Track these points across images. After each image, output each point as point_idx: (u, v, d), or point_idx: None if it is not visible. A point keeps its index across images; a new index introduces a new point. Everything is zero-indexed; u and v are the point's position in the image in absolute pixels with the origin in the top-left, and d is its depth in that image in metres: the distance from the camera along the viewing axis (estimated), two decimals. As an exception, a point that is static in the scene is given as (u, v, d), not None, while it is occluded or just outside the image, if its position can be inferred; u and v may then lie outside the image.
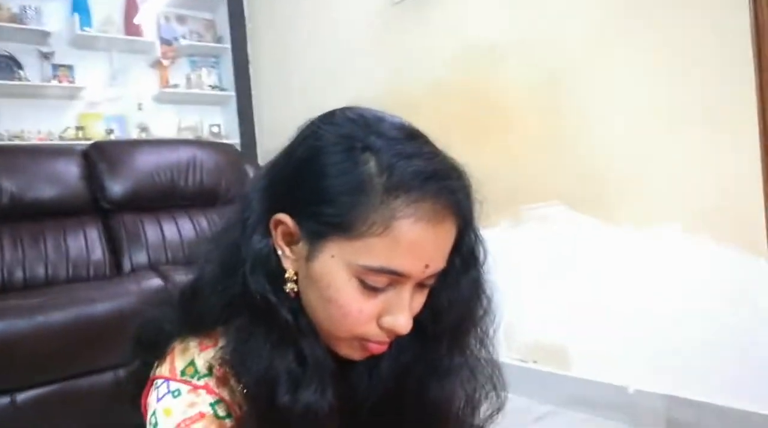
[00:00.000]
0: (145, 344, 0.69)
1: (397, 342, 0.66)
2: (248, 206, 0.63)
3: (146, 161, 2.53)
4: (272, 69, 3.24)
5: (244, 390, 0.60)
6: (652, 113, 1.61)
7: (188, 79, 3.34)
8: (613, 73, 1.69)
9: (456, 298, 0.64)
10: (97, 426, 1.73)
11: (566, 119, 1.82)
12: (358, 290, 0.57)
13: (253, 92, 3.38)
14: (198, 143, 2.98)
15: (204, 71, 3.37)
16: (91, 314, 1.72)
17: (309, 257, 0.59)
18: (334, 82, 2.76)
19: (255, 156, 3.25)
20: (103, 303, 1.75)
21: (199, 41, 3.34)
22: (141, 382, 0.70)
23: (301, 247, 0.60)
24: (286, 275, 0.61)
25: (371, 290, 0.57)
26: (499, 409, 0.68)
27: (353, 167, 0.56)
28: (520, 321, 1.97)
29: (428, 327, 0.65)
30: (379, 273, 0.56)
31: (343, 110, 0.62)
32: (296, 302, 0.61)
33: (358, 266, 0.56)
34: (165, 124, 3.30)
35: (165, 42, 3.25)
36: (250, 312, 0.61)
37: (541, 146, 1.88)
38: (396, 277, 0.57)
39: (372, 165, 0.56)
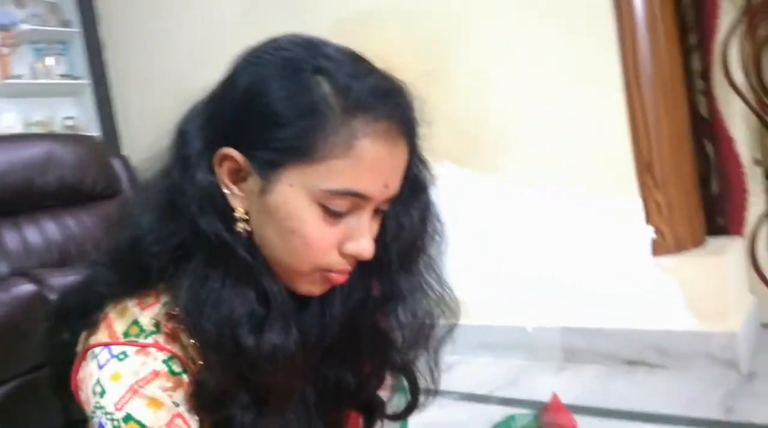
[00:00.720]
0: (71, 314, 0.63)
1: (348, 281, 0.66)
2: (185, 144, 0.59)
3: (-7, 161, 2.26)
4: (131, 53, 3.01)
5: (204, 339, 0.57)
6: (531, 73, 1.72)
7: (33, 68, 3.00)
8: (494, 37, 1.78)
9: (407, 224, 0.65)
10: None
11: (451, 83, 1.89)
12: (320, 217, 0.56)
13: (111, 79, 3.12)
14: (54, 136, 2.71)
15: (51, 59, 3.05)
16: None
17: (263, 191, 0.56)
18: (205, 63, 2.63)
19: (118, 148, 3.02)
20: (-31, 316, 1.55)
21: (43, 26, 3.02)
22: (66, 361, 0.63)
23: (252, 182, 0.57)
24: (237, 214, 0.58)
25: (333, 216, 0.56)
26: (451, 330, 0.71)
27: (306, 89, 0.54)
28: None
29: (380, 256, 0.65)
30: (342, 196, 0.55)
31: (284, 35, 0.59)
32: (250, 242, 0.59)
33: (320, 190, 0.55)
34: (9, 120, 2.94)
35: (1, 28, 2.89)
36: (203, 256, 0.57)
37: (428, 109, 1.94)
38: (358, 200, 0.56)
39: (326, 87, 0.54)
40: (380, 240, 0.63)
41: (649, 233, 1.59)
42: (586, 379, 1.61)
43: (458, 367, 1.87)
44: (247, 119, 0.56)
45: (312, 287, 0.61)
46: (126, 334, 0.57)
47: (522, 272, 1.81)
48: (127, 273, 0.59)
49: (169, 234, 0.57)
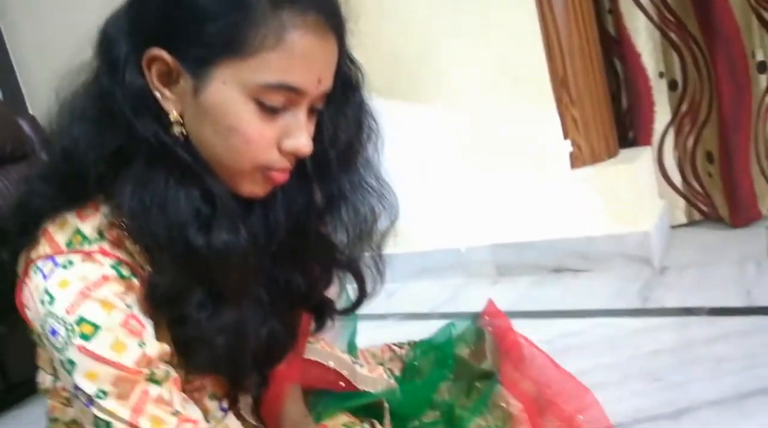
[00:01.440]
0: (8, 233, 0.62)
1: (289, 185, 0.68)
2: (111, 48, 0.58)
3: None
4: (23, 6, 2.79)
5: (154, 242, 0.58)
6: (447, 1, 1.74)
7: None
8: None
9: (343, 123, 0.67)
10: None
11: (363, 20, 1.88)
12: (256, 113, 0.57)
13: (6, 35, 2.89)
14: (-49, 97, 2.51)
15: (-66, 14, 2.78)
16: None
17: (197, 91, 0.57)
18: (104, 11, 2.48)
19: (25, 108, 2.83)
20: None
21: None
22: (7, 286, 0.63)
23: (184, 83, 0.57)
24: (171, 118, 0.58)
25: (269, 112, 0.57)
26: (392, 223, 0.74)
27: None
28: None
29: (319, 158, 0.67)
30: (276, 90, 0.56)
31: None
32: (188, 145, 0.59)
33: (255, 85, 0.56)
34: None
35: None
36: (142, 160, 0.57)
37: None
38: (292, 94, 0.57)
39: None
40: (318, 142, 0.65)
41: (567, 146, 1.68)
42: (518, 289, 1.72)
43: (399, 292, 1.94)
44: (174, 16, 0.55)
45: (254, 188, 0.62)
46: (69, 244, 0.58)
47: (452, 196, 1.88)
48: (64, 185, 0.59)
49: (105, 141, 0.57)
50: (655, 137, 1.84)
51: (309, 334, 0.80)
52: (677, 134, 1.84)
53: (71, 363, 0.54)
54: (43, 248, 0.58)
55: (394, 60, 1.85)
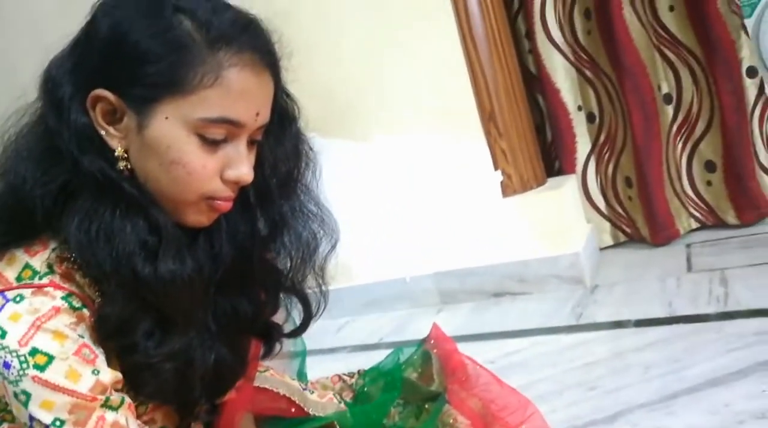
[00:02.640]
0: None
1: (233, 214, 0.71)
2: (55, 89, 0.61)
3: None
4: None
5: (101, 272, 0.60)
6: (377, 40, 1.83)
7: None
8: (339, 9, 1.88)
9: (282, 153, 0.71)
10: None
11: (298, 60, 1.95)
12: (198, 146, 0.61)
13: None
14: None
15: None
16: None
17: (140, 127, 0.60)
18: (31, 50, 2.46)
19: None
20: None
21: None
22: None
23: (128, 120, 0.61)
24: (116, 154, 0.61)
25: (211, 144, 0.61)
26: (333, 246, 0.78)
27: (169, 26, 0.59)
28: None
29: (260, 187, 0.71)
30: (216, 124, 0.60)
31: None
32: (133, 179, 0.62)
33: (196, 120, 0.60)
34: None
35: None
36: (89, 194, 0.60)
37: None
38: (232, 128, 0.62)
39: (188, 23, 0.59)
40: (258, 172, 0.69)
41: (498, 176, 1.78)
42: (461, 315, 1.78)
43: (348, 326, 1.97)
44: (115, 59, 0.59)
45: (200, 217, 0.66)
46: (19, 278, 0.59)
47: (394, 229, 1.94)
48: (12, 222, 0.61)
49: (51, 177, 0.59)
50: (579, 166, 1.98)
51: (258, 359, 0.82)
52: (598, 162, 1.98)
53: (26, 394, 0.55)
54: (-8, 284, 0.59)
55: (328, 98, 1.91)
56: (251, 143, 0.66)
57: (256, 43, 0.62)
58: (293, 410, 0.92)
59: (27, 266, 0.60)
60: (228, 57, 0.60)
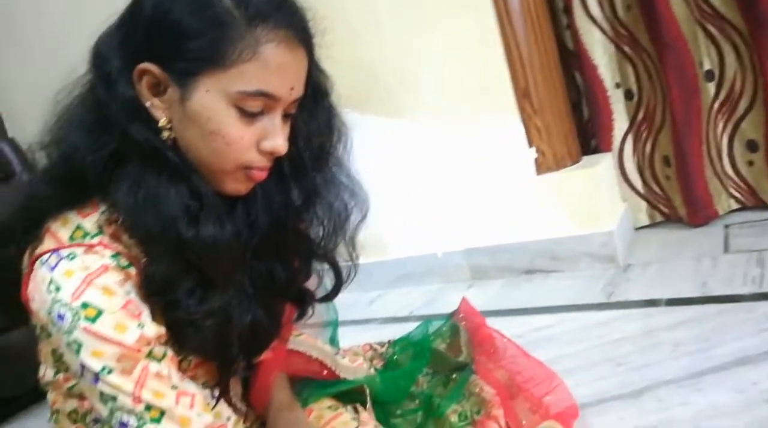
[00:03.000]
0: (15, 231, 0.68)
1: (268, 185, 0.75)
2: (104, 63, 0.65)
3: None
4: (7, 30, 2.84)
5: (148, 234, 0.64)
6: (412, 10, 1.84)
7: None
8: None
9: (315, 127, 0.74)
10: None
11: (338, 36, 1.97)
12: (237, 118, 0.64)
13: (-16, 60, 2.92)
14: (-69, 123, 2.53)
15: None
16: None
17: (183, 99, 0.64)
18: (81, 31, 2.54)
19: (4, 131, 2.85)
20: None
21: None
22: (14, 275, 0.68)
23: (172, 92, 0.64)
24: (160, 124, 0.65)
25: (248, 116, 0.65)
26: (363, 217, 0.81)
27: (210, 5, 0.62)
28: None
29: (294, 159, 0.75)
30: (254, 97, 0.64)
31: None
32: (176, 148, 0.66)
33: (234, 93, 0.63)
34: None
35: None
36: (136, 161, 0.64)
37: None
38: (268, 101, 0.65)
39: (227, 1, 0.62)
40: (293, 144, 0.72)
41: (532, 154, 1.78)
42: (492, 291, 1.80)
43: (379, 299, 2.01)
44: (159, 35, 0.63)
45: (237, 186, 0.69)
46: (71, 238, 0.64)
47: (428, 205, 1.96)
48: (65, 187, 0.65)
49: (101, 145, 0.64)
50: (615, 144, 1.95)
51: (292, 323, 0.86)
52: (635, 140, 1.95)
53: (77, 343, 0.60)
54: (48, 243, 0.64)
55: (366, 75, 1.93)
56: (286, 116, 0.69)
57: (291, 20, 0.65)
58: (325, 373, 0.96)
59: (79, 227, 0.64)
60: (265, 33, 0.62)
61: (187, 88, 0.63)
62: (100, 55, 0.66)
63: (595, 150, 1.98)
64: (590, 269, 1.73)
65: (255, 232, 0.74)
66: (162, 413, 0.61)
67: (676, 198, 1.89)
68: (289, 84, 0.66)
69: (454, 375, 1.14)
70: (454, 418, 1.04)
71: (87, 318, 0.60)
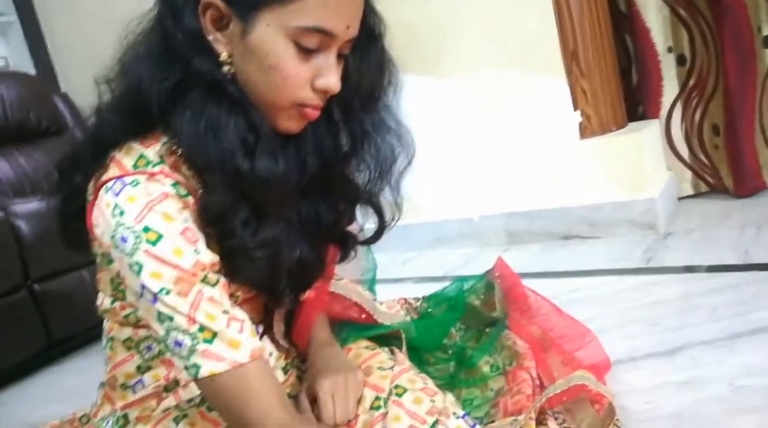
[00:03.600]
0: (81, 159, 0.72)
1: (319, 127, 0.77)
2: None
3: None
4: (59, -13, 2.91)
5: (206, 163, 0.67)
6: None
7: (-47, 7, 2.87)
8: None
9: (366, 69, 0.75)
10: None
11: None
12: (294, 54, 0.66)
13: (40, 16, 3.01)
14: (-8, 75, 2.63)
15: (-30, -3, 2.90)
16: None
17: (244, 33, 0.66)
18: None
19: (58, 86, 2.95)
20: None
21: (-44, -39, 2.86)
22: (80, 203, 0.72)
23: (233, 27, 0.66)
24: (221, 58, 0.68)
25: (304, 52, 0.66)
26: (410, 162, 0.83)
27: None
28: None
29: (345, 101, 0.76)
30: (312, 33, 0.65)
31: None
32: (235, 82, 0.69)
33: (293, 28, 0.65)
34: (-64, 63, 2.82)
35: None
36: (198, 93, 0.66)
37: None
38: (324, 37, 0.66)
39: None
40: (344, 86, 0.73)
41: (577, 117, 1.75)
42: (528, 255, 1.80)
43: (414, 260, 2.04)
44: None
45: (290, 123, 0.71)
46: (135, 166, 0.67)
47: (465, 167, 1.96)
48: (130, 116, 0.68)
49: (166, 76, 0.66)
50: (663, 111, 1.91)
51: (335, 263, 0.89)
52: (685, 107, 1.90)
53: (138, 265, 0.64)
54: (113, 171, 0.68)
55: (410, 34, 1.92)
56: (340, 56, 0.71)
57: None
58: (363, 316, 0.99)
59: (142, 156, 0.68)
60: None
61: (248, 23, 0.65)
62: None
63: (642, 117, 1.94)
64: (630, 235, 1.72)
65: (304, 172, 0.76)
66: (214, 334, 0.65)
67: (723, 168, 1.85)
68: (345, 22, 0.67)
69: (487, 330, 1.16)
70: (486, 369, 1.07)
71: (148, 241, 0.63)
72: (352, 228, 0.88)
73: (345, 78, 0.73)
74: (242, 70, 0.68)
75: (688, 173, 1.94)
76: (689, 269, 1.40)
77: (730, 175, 1.82)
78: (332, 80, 0.68)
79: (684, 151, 1.93)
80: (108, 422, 0.81)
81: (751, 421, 0.81)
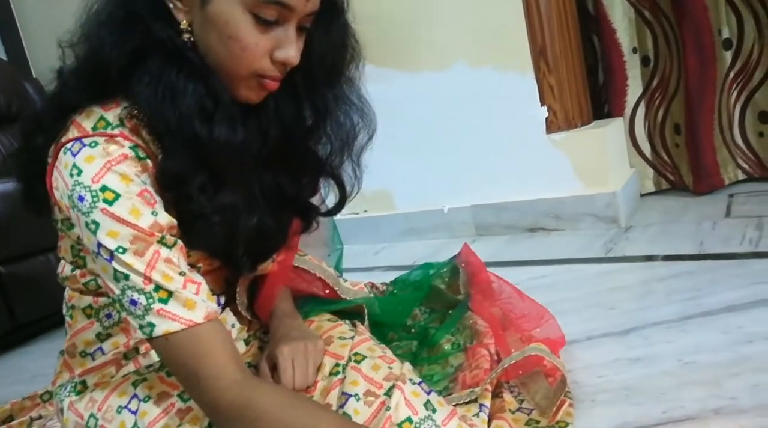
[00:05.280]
0: (43, 121, 0.72)
1: (281, 98, 0.78)
2: None
3: None
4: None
5: (164, 127, 0.68)
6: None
7: None
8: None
9: (328, 43, 0.77)
10: None
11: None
12: (252, 25, 0.67)
13: (13, 3, 2.97)
14: (-41, 59, 2.59)
15: (-62, -20, 2.85)
16: None
17: (204, 2, 0.67)
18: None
19: (29, 72, 2.91)
20: None
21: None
22: (41, 165, 0.73)
23: None
24: (182, 26, 0.69)
25: (264, 24, 0.68)
26: (370, 137, 0.84)
27: None
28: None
29: (307, 74, 0.78)
30: (270, 5, 0.66)
31: None
32: (195, 50, 0.70)
33: (251, 0, 0.66)
34: None
35: None
36: (158, 58, 0.67)
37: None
38: (283, 10, 0.68)
39: None
40: (306, 60, 0.75)
41: (543, 112, 1.80)
42: (495, 246, 1.84)
43: (385, 251, 2.06)
44: None
45: (249, 93, 0.73)
46: (94, 128, 0.68)
47: (435, 160, 1.99)
48: (91, 80, 0.69)
49: (126, 41, 0.67)
50: (627, 110, 1.96)
51: (298, 234, 0.90)
52: (648, 106, 1.96)
53: (95, 223, 0.64)
54: (72, 132, 0.68)
55: (384, 29, 1.95)
56: (300, 29, 0.72)
57: None
58: (327, 291, 1.01)
59: (101, 118, 0.68)
60: None
61: None
62: None
63: (608, 115, 1.99)
64: (592, 228, 1.76)
65: (266, 142, 0.78)
66: (170, 294, 0.65)
67: (683, 166, 1.91)
68: None
69: (450, 312, 1.19)
70: (447, 347, 1.09)
71: (105, 201, 0.64)
72: (315, 200, 0.90)
73: (307, 51, 0.75)
74: (202, 39, 0.69)
75: (650, 171, 2.00)
76: (647, 258, 1.44)
77: (690, 172, 1.88)
78: (291, 53, 0.70)
79: (647, 149, 1.98)
80: (66, 388, 0.82)
81: (698, 393, 0.84)
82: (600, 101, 2.02)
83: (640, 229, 1.69)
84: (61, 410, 0.81)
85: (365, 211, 2.20)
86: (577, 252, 1.61)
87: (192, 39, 0.69)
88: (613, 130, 1.84)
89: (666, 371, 0.92)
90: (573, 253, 1.61)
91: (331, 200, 0.89)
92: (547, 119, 1.81)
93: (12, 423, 1.11)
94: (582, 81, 1.85)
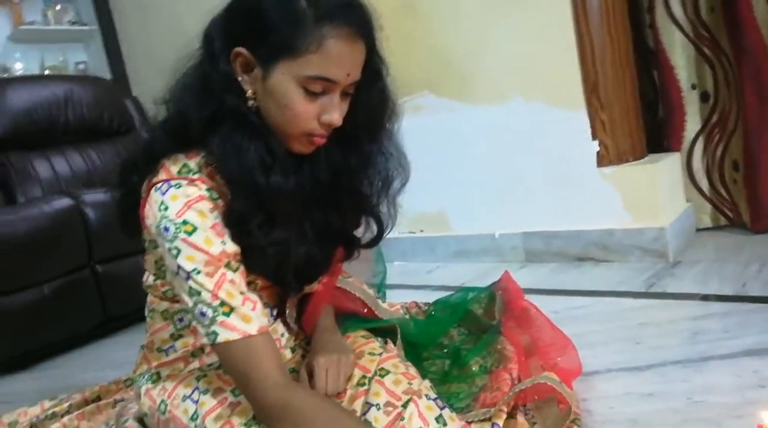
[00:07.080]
0: (140, 163, 0.90)
1: (331, 149, 0.93)
2: (211, 43, 0.85)
3: (20, 99, 2.48)
4: (137, 6, 3.21)
5: (231, 177, 0.84)
6: (492, 5, 1.95)
7: (44, 15, 3.21)
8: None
9: (368, 103, 0.91)
10: (21, 343, 1.85)
11: (420, 21, 2.12)
12: (303, 96, 0.82)
13: (117, 26, 3.32)
14: (72, 78, 2.93)
15: (60, 6, 3.24)
16: (10, 234, 1.80)
17: (264, 77, 0.83)
18: (200, 7, 2.83)
19: (129, 90, 3.24)
20: (20, 223, 1.83)
21: (49, -26, 3.20)
22: (135, 198, 0.91)
23: (257, 71, 0.83)
24: (248, 94, 0.85)
25: (312, 95, 0.83)
26: (404, 183, 0.98)
27: (288, 5, 0.80)
28: (406, 199, 2.31)
29: (353, 130, 0.92)
30: (316, 80, 0.81)
31: None
32: (258, 114, 0.86)
33: (302, 76, 0.81)
34: (26, 65, 3.17)
35: (11, -24, 3.08)
36: (228, 122, 0.84)
37: (404, 46, 2.17)
38: (327, 83, 0.82)
39: (303, 2, 0.80)
40: (351, 118, 0.89)
41: (595, 146, 1.86)
42: (542, 272, 1.91)
43: (437, 270, 2.18)
44: (251, 27, 0.81)
45: (301, 147, 0.88)
46: (179, 172, 0.85)
47: (490, 187, 2.09)
48: (177, 135, 0.86)
49: (204, 107, 0.83)
50: (685, 144, 1.98)
51: (341, 261, 1.05)
52: (707, 142, 1.97)
53: (177, 249, 0.81)
54: (162, 175, 0.86)
55: (444, 62, 2.08)
56: (345, 94, 0.87)
57: (353, 19, 0.81)
58: (365, 311, 1.14)
59: (185, 165, 0.85)
60: (329, 30, 0.79)
61: (267, 70, 0.82)
62: (208, 37, 0.86)
63: (667, 149, 2.02)
64: (640, 261, 1.80)
65: (317, 185, 0.93)
66: (232, 309, 0.81)
67: (742, 203, 1.90)
68: (345, 71, 0.82)
69: (484, 336, 1.29)
70: (475, 368, 1.20)
71: (185, 232, 0.80)
72: (358, 232, 1.04)
73: (353, 111, 0.89)
74: (263, 105, 0.84)
75: (708, 206, 2.00)
76: (686, 296, 1.48)
77: (748, 210, 1.88)
78: (335, 117, 0.84)
79: (704, 184, 1.99)
80: (144, 377, 0.99)
81: (698, 430, 0.91)
82: (660, 136, 2.05)
83: (688, 265, 1.72)
84: (139, 395, 0.99)
85: (421, 230, 2.32)
86: (618, 285, 1.66)
87: (256, 105, 0.85)
88: (667, 164, 1.87)
89: (673, 408, 0.99)
90: (615, 286, 1.66)
91: (369, 234, 1.02)
92: (598, 152, 1.86)
93: (100, 402, 1.32)
94: (636, 117, 1.90)
